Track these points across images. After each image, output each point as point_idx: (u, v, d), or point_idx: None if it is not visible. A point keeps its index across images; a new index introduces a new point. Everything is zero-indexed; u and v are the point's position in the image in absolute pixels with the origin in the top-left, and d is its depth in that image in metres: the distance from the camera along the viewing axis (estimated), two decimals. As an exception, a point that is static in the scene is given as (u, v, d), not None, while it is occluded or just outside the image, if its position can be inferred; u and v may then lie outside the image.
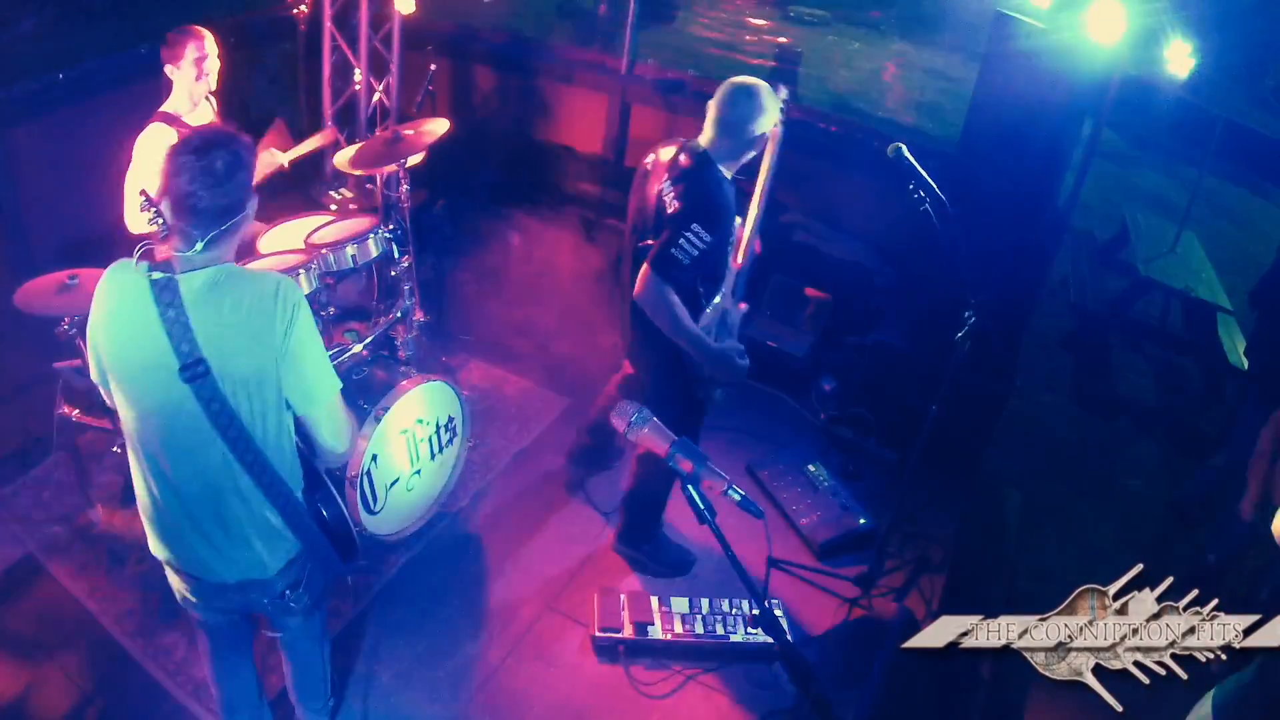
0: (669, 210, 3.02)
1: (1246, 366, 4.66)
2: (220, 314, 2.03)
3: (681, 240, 2.92)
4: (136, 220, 3.77)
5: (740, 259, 3.34)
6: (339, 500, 2.41)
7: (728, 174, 3.11)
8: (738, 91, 3.03)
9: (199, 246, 2.03)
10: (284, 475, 2.21)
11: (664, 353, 3.24)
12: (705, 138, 3.09)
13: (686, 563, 3.85)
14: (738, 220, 3.27)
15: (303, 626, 2.58)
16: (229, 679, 2.71)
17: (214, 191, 2.00)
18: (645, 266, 3.00)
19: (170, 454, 2.15)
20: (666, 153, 3.18)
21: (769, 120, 3.08)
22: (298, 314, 2.08)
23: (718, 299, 3.27)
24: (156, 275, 2.01)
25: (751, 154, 3.15)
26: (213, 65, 3.78)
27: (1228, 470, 4.37)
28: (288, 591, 2.39)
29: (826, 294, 5.05)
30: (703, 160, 3.07)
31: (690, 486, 2.15)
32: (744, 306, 3.46)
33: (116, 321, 2.07)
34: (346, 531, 2.42)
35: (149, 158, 3.70)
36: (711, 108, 3.06)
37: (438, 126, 3.90)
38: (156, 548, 2.35)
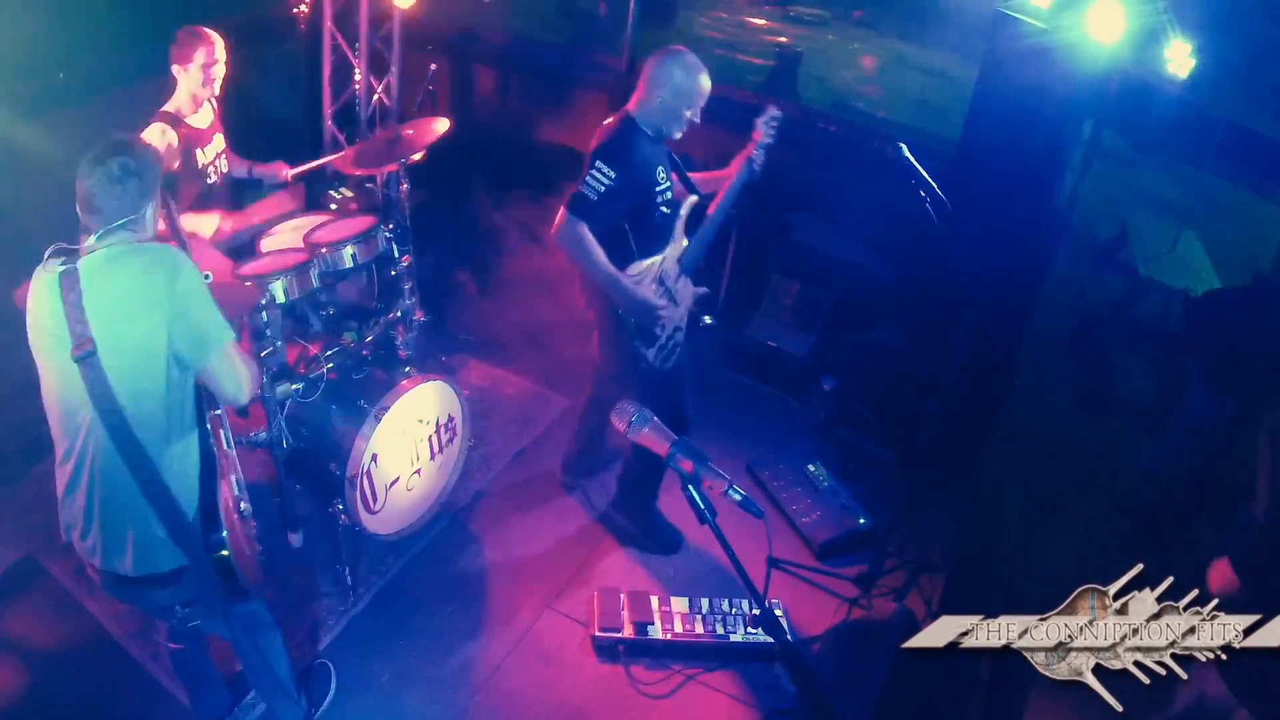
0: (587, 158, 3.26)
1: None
2: (114, 284, 2.21)
3: (587, 177, 3.15)
4: None
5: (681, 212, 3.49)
6: (227, 540, 2.40)
7: (649, 132, 3.29)
8: (663, 57, 3.24)
9: (94, 239, 2.27)
10: (169, 481, 2.25)
11: (599, 304, 3.40)
12: (632, 102, 3.31)
13: (675, 543, 3.91)
14: (669, 183, 3.38)
15: (233, 630, 2.58)
16: (184, 670, 2.86)
17: (110, 192, 2.22)
18: (561, 208, 3.20)
19: (68, 437, 2.30)
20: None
21: (685, 91, 3.22)
22: (181, 271, 2.24)
23: (656, 258, 3.40)
24: (63, 268, 2.22)
25: (672, 123, 3.28)
26: (220, 71, 3.79)
27: (1176, 449, 4.74)
28: (177, 607, 2.49)
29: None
30: (624, 118, 3.30)
31: (690, 486, 2.15)
32: (702, 290, 3.62)
33: (34, 315, 2.29)
34: (229, 570, 2.42)
35: None
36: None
37: (438, 125, 3.90)
38: (65, 532, 2.43)
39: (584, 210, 3.16)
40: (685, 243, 3.53)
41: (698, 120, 3.32)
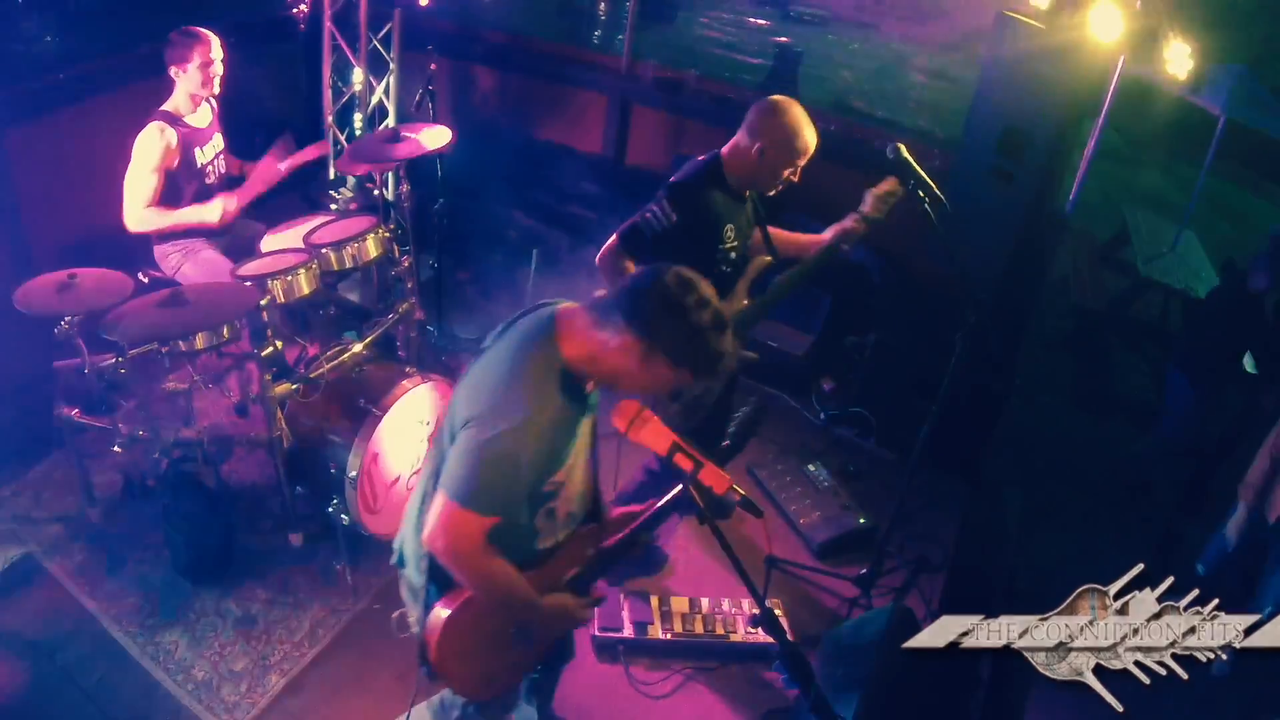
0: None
1: (1255, 369, 4.81)
2: None
3: (649, 212, 2.93)
4: (136, 219, 3.78)
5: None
6: None
7: (740, 188, 3.06)
8: (771, 104, 2.99)
9: None
10: None
11: None
12: (727, 146, 3.07)
13: (657, 563, 3.83)
14: (736, 243, 3.12)
15: None
16: None
17: None
18: (614, 235, 3.01)
19: None
20: None
21: (789, 148, 2.96)
22: None
23: None
24: None
25: (766, 180, 3.04)
26: (217, 70, 3.78)
27: (1163, 444, 4.94)
28: None
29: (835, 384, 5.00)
30: (713, 160, 3.07)
31: (691, 486, 2.15)
32: (750, 355, 3.36)
33: None
34: None
35: (148, 156, 3.70)
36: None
37: (438, 137, 3.90)
38: None
39: (635, 245, 2.93)
40: (746, 302, 3.23)
41: (796, 180, 3.07)
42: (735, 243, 3.11)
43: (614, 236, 3.00)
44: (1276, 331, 4.54)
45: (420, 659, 2.22)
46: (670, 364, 1.96)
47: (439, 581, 2.19)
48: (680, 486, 2.09)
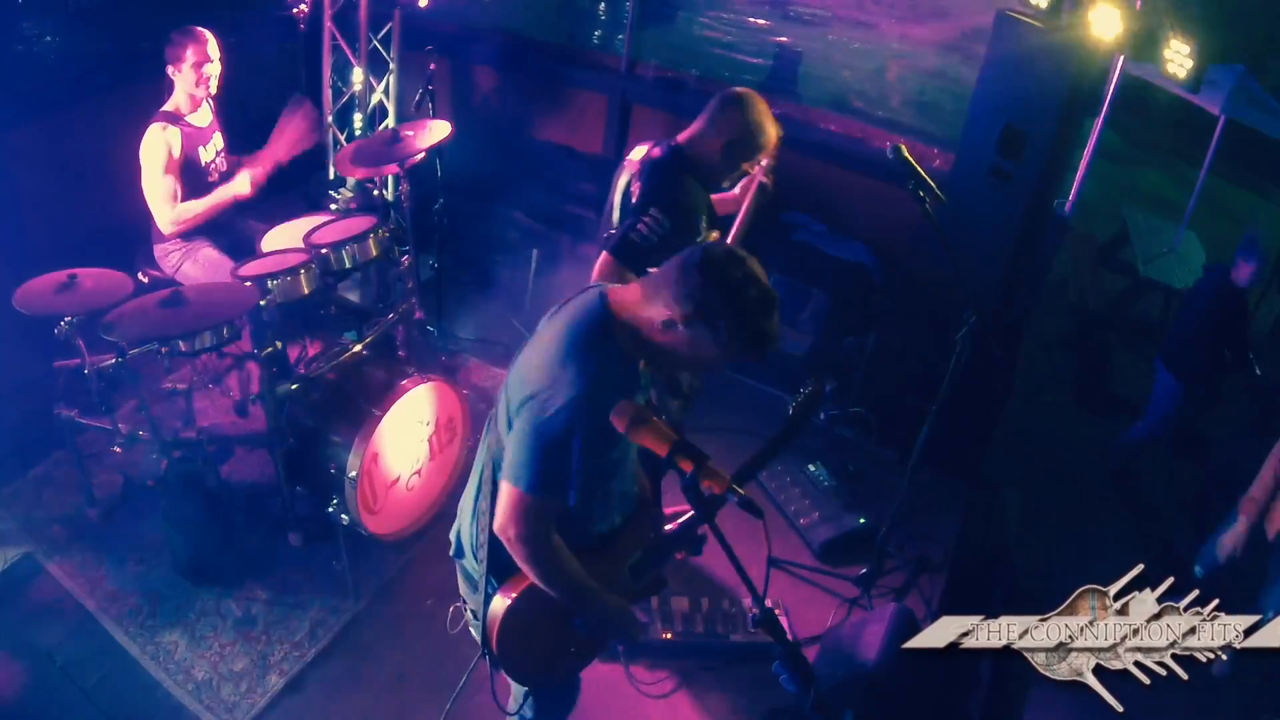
0: (633, 200, 3.00)
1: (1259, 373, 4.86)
2: None
3: (641, 225, 2.90)
4: (168, 220, 3.78)
5: None
6: None
7: (704, 179, 3.08)
8: (731, 97, 2.99)
9: None
10: None
11: None
12: (685, 135, 3.06)
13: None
14: (708, 226, 3.14)
15: None
16: None
17: None
18: (604, 253, 2.95)
19: None
20: (639, 151, 3.14)
21: (751, 143, 2.98)
22: None
23: None
24: None
25: (725, 172, 3.07)
26: (213, 69, 3.78)
27: (1146, 432, 5.03)
28: None
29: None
30: (673, 154, 3.03)
31: (690, 486, 2.15)
32: None
33: None
34: None
35: (157, 158, 3.70)
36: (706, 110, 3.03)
37: (438, 131, 3.90)
38: None
39: (631, 258, 2.89)
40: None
41: (750, 173, 3.13)
42: (706, 227, 3.16)
43: (605, 255, 2.93)
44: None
45: (482, 647, 2.24)
46: (717, 341, 1.95)
47: (498, 570, 2.20)
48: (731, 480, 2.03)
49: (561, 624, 2.26)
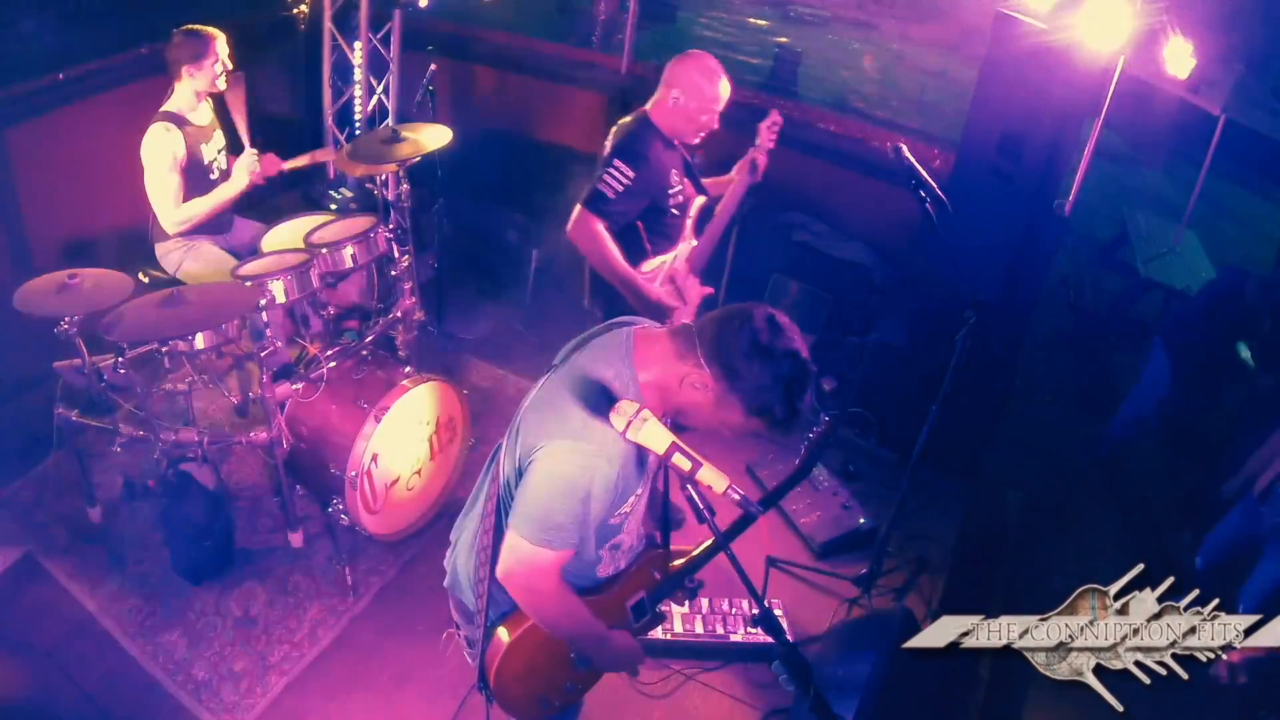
0: (602, 156, 3.30)
1: (1259, 372, 4.83)
2: None
3: (605, 175, 3.18)
4: (173, 220, 3.78)
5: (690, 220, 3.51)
6: None
7: (670, 137, 3.32)
8: (682, 59, 3.27)
9: None
10: None
11: (604, 302, 3.42)
12: (650, 102, 3.33)
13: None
14: (680, 185, 3.38)
15: None
16: None
17: None
18: (577, 206, 3.22)
19: None
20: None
21: (702, 95, 3.22)
22: None
23: (668, 257, 3.43)
24: None
25: (687, 127, 3.29)
26: (229, 67, 3.81)
27: (1139, 422, 5.01)
28: None
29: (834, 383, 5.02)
30: (642, 119, 3.33)
31: (689, 486, 2.15)
32: (709, 290, 3.63)
33: None
34: None
35: (161, 158, 3.70)
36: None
37: (439, 137, 3.90)
38: None
39: (601, 208, 3.18)
40: (694, 242, 3.54)
41: (715, 127, 3.32)
42: (679, 187, 3.38)
43: (578, 207, 3.21)
44: (1275, 330, 4.54)
45: (480, 682, 2.19)
46: (745, 411, 1.89)
47: (497, 608, 2.14)
48: (746, 515, 2.00)
49: (561, 661, 2.23)
